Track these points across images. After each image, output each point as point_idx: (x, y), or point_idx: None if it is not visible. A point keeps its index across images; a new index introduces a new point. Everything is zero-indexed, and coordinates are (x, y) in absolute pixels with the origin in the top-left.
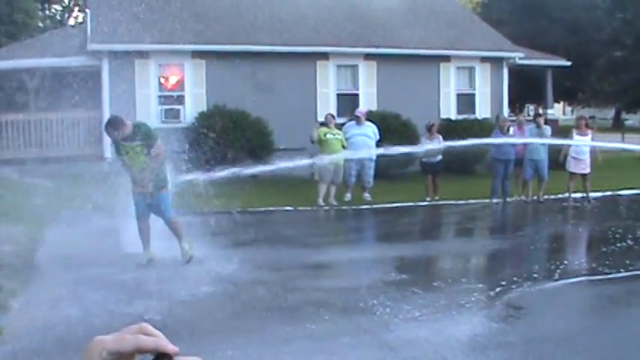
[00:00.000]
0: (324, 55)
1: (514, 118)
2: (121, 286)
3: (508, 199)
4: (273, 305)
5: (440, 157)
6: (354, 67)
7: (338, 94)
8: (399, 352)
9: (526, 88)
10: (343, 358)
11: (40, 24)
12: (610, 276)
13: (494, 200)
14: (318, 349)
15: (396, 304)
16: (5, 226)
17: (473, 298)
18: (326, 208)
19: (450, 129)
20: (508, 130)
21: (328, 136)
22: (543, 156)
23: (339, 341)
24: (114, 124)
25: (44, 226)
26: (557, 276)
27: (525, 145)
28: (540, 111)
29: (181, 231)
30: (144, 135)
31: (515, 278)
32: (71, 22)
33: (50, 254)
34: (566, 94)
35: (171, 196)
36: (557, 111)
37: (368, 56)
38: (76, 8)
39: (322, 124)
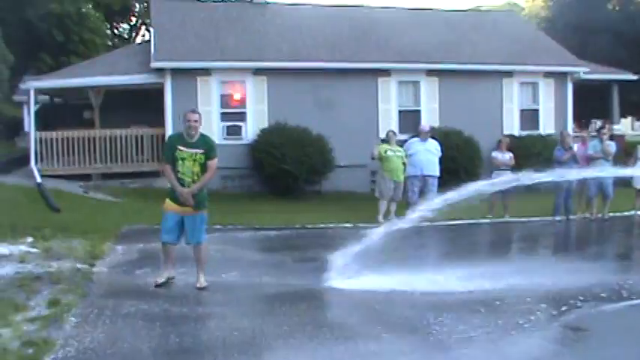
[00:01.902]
0: (386, 72)
1: (578, 134)
2: (172, 303)
3: (571, 217)
4: (325, 322)
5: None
6: (416, 83)
7: (400, 111)
8: None
9: (592, 104)
10: None
11: (109, 43)
12: None
13: (557, 218)
14: None
15: (451, 324)
16: (68, 240)
17: (531, 319)
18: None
19: (513, 145)
20: (570, 146)
21: (389, 152)
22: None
23: None
24: (195, 109)
25: (105, 241)
26: (620, 297)
27: (589, 161)
28: (606, 126)
29: (206, 261)
30: (209, 146)
31: (576, 298)
32: (138, 40)
33: (110, 270)
34: (634, 109)
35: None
36: (625, 126)
37: (430, 72)
38: (143, 27)
39: (383, 140)
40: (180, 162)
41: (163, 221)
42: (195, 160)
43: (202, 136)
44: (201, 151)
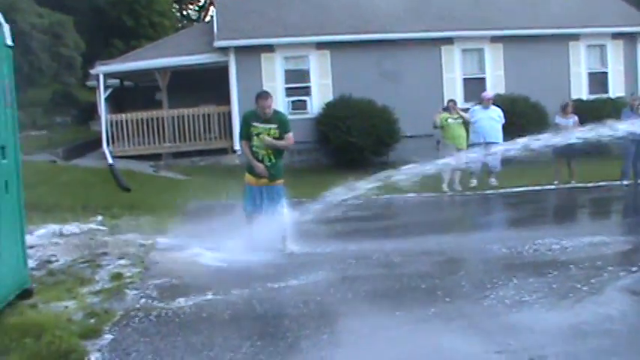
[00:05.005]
0: (449, 40)
1: None
2: (233, 274)
3: None
4: (382, 290)
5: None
6: (480, 50)
7: (464, 79)
8: (494, 338)
9: None
10: (430, 344)
11: (179, 25)
12: None
13: (625, 182)
14: (409, 334)
15: (505, 289)
16: (136, 218)
17: (586, 283)
18: (450, 193)
19: (581, 109)
20: (638, 108)
21: (450, 120)
22: None
23: (431, 326)
24: (267, 92)
25: (172, 218)
26: None
27: None
28: None
29: (289, 227)
30: (282, 121)
31: (636, 263)
32: (207, 20)
33: (174, 244)
34: None
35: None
36: None
37: (494, 39)
38: (211, 7)
39: (445, 109)
40: (255, 137)
41: (245, 194)
42: (269, 135)
43: (276, 112)
44: (275, 126)
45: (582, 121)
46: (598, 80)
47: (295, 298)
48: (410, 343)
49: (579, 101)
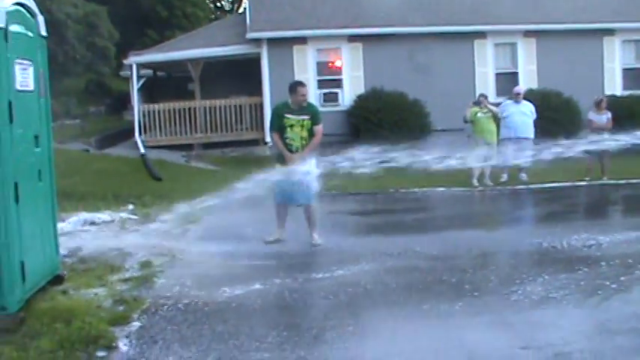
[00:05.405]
0: (482, 34)
1: None
2: (258, 265)
3: None
4: (410, 282)
5: (607, 135)
6: (513, 44)
7: (497, 73)
8: (519, 333)
9: None
10: (455, 338)
11: (212, 15)
12: None
13: None
14: (434, 327)
15: (534, 284)
16: (167, 207)
17: (616, 281)
18: (480, 188)
19: (615, 106)
20: None
21: (479, 115)
22: None
23: (457, 320)
24: (303, 83)
25: (201, 209)
26: None
27: None
28: None
29: (317, 219)
30: (314, 113)
31: None
32: (240, 12)
33: (199, 235)
34: None
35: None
36: None
37: (527, 33)
38: None
39: (476, 103)
40: (288, 129)
41: (275, 185)
42: (302, 126)
43: (308, 103)
44: (307, 117)
45: (616, 118)
46: (633, 76)
47: (324, 290)
48: (435, 337)
49: (613, 97)
